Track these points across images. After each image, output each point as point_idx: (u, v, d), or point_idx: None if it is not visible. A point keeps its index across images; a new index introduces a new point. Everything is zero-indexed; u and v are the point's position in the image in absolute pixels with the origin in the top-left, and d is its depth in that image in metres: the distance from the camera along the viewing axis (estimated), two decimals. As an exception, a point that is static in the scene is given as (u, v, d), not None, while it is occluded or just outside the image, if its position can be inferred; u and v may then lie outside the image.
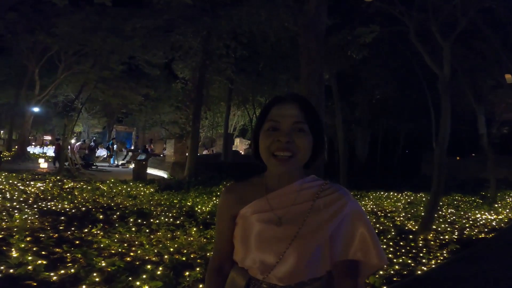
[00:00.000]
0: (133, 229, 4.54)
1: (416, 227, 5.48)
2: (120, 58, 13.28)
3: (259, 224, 0.93)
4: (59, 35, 12.37)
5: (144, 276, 2.85)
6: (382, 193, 9.59)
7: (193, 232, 4.54)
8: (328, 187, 0.96)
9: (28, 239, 3.77)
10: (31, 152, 20.50)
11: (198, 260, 3.51)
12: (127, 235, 4.27)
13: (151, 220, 5.11)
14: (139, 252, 3.67)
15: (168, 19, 10.77)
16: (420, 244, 4.58)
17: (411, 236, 4.89)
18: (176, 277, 2.97)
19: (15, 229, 4.08)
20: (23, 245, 3.43)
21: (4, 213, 4.86)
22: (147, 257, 3.53)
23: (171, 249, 3.79)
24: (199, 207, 6.45)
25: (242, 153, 20.37)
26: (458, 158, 18.37)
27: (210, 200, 7.29)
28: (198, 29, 11.09)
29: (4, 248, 3.42)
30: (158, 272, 3.00)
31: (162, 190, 8.65)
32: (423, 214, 5.78)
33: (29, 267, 2.90)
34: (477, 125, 8.51)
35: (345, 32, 5.61)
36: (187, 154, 13.01)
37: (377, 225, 5.55)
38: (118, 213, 5.53)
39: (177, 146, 14.92)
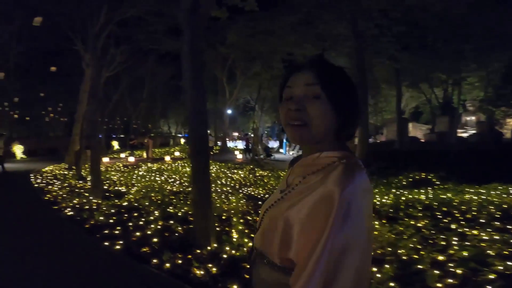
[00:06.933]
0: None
1: None
2: (281, 56, 14.59)
3: (278, 189, 0.97)
4: (231, 45, 14.79)
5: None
6: None
7: (377, 226, 4.45)
8: (332, 165, 0.79)
9: (241, 221, 4.77)
10: (228, 146, 26.17)
11: (388, 257, 3.41)
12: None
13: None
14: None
15: (307, 11, 10.86)
16: None
17: None
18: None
19: (232, 211, 5.27)
20: (240, 227, 4.38)
21: (223, 196, 6.39)
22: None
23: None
24: (378, 199, 6.22)
25: (423, 140, 17.83)
26: None
27: (389, 192, 6.88)
28: (339, 15, 10.55)
29: (227, 229, 4.40)
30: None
31: (336, 179, 8.88)
32: None
33: (245, 249, 3.55)
34: None
35: None
36: (355, 142, 12.72)
37: None
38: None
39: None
